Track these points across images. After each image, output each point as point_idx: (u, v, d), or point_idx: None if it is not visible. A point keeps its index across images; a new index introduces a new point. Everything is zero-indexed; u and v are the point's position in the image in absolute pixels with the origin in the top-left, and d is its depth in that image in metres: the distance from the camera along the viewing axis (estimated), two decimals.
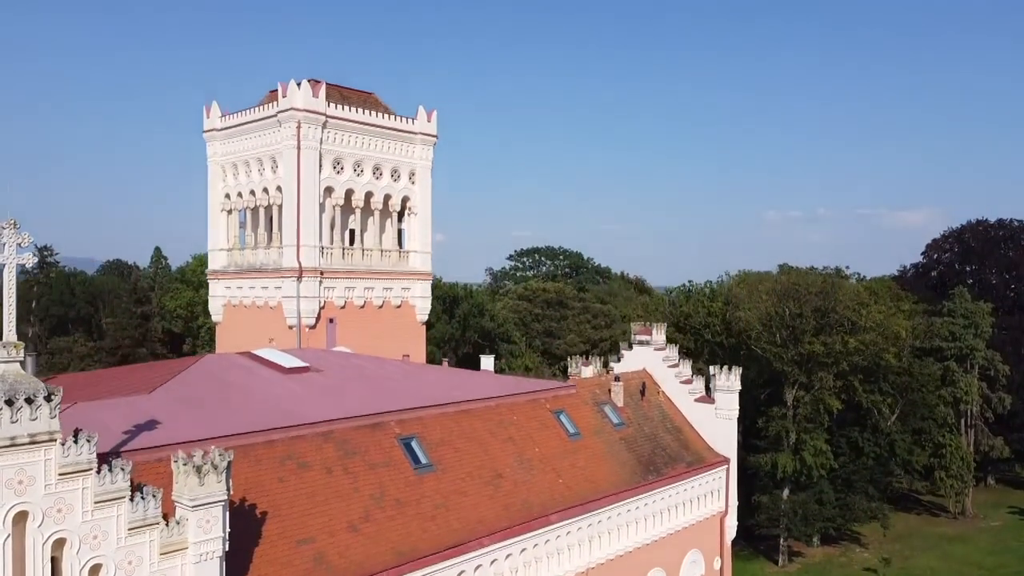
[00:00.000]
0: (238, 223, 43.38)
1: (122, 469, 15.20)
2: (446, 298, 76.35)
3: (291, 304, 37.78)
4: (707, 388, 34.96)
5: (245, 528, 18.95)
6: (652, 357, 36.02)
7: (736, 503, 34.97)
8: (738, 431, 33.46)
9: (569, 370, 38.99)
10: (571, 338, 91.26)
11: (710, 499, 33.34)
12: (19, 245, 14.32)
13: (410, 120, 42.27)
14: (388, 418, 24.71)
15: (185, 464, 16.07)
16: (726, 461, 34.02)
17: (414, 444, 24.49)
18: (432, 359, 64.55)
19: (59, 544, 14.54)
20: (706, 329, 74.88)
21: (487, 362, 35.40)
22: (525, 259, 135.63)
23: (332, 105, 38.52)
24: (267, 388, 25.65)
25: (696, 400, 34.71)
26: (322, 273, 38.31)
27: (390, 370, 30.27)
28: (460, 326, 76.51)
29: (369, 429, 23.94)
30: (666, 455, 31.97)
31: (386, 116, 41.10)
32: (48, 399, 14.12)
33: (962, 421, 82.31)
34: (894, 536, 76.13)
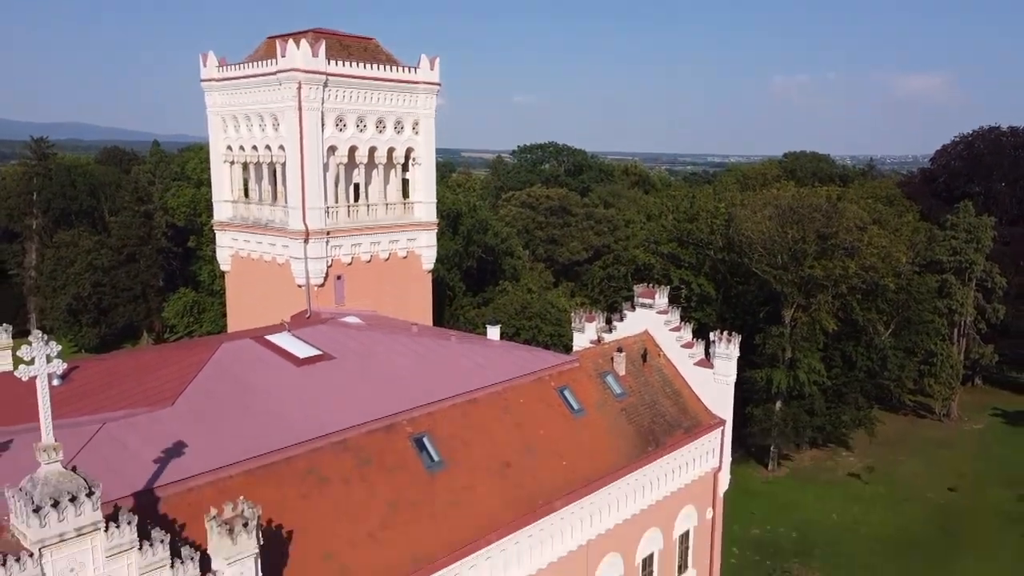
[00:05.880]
0: (242, 175, 43.20)
1: (161, 541, 16.43)
2: (449, 213, 76.42)
3: (299, 265, 38.29)
4: (707, 351, 35.99)
5: (273, 549, 20.42)
6: (654, 320, 36.88)
7: (730, 459, 36.86)
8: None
9: (573, 324, 39.94)
10: (574, 245, 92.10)
11: (706, 459, 35.15)
12: (47, 356, 14.91)
13: (412, 69, 41.19)
14: (400, 418, 25.91)
15: (219, 526, 17.32)
16: (722, 423, 35.59)
17: (426, 441, 25.79)
18: (437, 276, 65.58)
19: None
20: (708, 246, 75.44)
21: (493, 332, 36.34)
22: (528, 155, 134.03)
23: (333, 62, 37.47)
24: (283, 389, 26.72)
25: (696, 364, 35.85)
26: (328, 233, 38.59)
27: (400, 352, 31.23)
28: (464, 241, 77.00)
29: (383, 432, 25.18)
30: (665, 423, 33.47)
31: (388, 67, 40.02)
32: (89, 495, 15.14)
33: (955, 331, 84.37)
34: (881, 440, 79.88)
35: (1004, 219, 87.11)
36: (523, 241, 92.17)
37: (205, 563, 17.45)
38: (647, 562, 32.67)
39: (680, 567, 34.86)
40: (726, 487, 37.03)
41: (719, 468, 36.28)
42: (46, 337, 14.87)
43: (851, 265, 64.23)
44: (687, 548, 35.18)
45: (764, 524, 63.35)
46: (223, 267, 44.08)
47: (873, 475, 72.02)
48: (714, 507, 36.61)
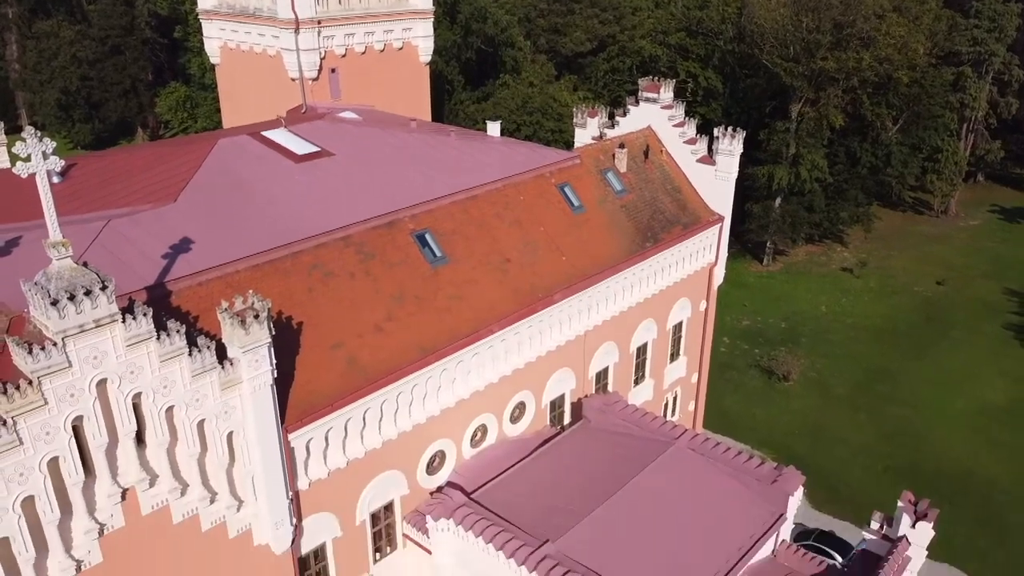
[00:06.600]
0: None
1: (177, 331, 17.19)
2: (446, 0, 72.28)
3: (291, 57, 36.85)
4: (710, 148, 35.56)
5: (284, 339, 21.43)
6: (658, 115, 36.04)
7: (726, 254, 37.57)
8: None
9: (575, 120, 39.12)
10: (578, 35, 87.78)
11: (702, 254, 35.87)
12: (43, 153, 14.72)
13: None
14: (402, 214, 26.12)
15: (231, 317, 18.05)
16: (721, 219, 35.91)
17: (428, 237, 26.20)
18: (435, 69, 63.41)
19: (137, 396, 17.07)
20: (718, 36, 72.12)
21: (493, 128, 35.54)
22: None
23: None
24: (282, 186, 26.69)
25: (698, 160, 35.52)
26: (319, 22, 36.72)
27: (399, 148, 30.85)
28: (462, 32, 73.53)
29: (385, 228, 25.50)
30: (664, 219, 33.79)
31: None
32: (103, 288, 15.62)
33: (964, 126, 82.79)
34: (876, 236, 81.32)
35: None
36: (524, 31, 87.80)
37: (220, 353, 18.39)
38: (641, 350, 34.37)
39: (672, 355, 36.73)
40: (720, 281, 38.08)
41: (715, 263, 37.11)
42: (39, 133, 14.63)
43: (865, 57, 61.75)
44: (680, 338, 36.86)
45: (755, 315, 65.97)
46: (213, 60, 42.43)
47: (865, 269, 73.88)
48: (708, 300, 37.88)
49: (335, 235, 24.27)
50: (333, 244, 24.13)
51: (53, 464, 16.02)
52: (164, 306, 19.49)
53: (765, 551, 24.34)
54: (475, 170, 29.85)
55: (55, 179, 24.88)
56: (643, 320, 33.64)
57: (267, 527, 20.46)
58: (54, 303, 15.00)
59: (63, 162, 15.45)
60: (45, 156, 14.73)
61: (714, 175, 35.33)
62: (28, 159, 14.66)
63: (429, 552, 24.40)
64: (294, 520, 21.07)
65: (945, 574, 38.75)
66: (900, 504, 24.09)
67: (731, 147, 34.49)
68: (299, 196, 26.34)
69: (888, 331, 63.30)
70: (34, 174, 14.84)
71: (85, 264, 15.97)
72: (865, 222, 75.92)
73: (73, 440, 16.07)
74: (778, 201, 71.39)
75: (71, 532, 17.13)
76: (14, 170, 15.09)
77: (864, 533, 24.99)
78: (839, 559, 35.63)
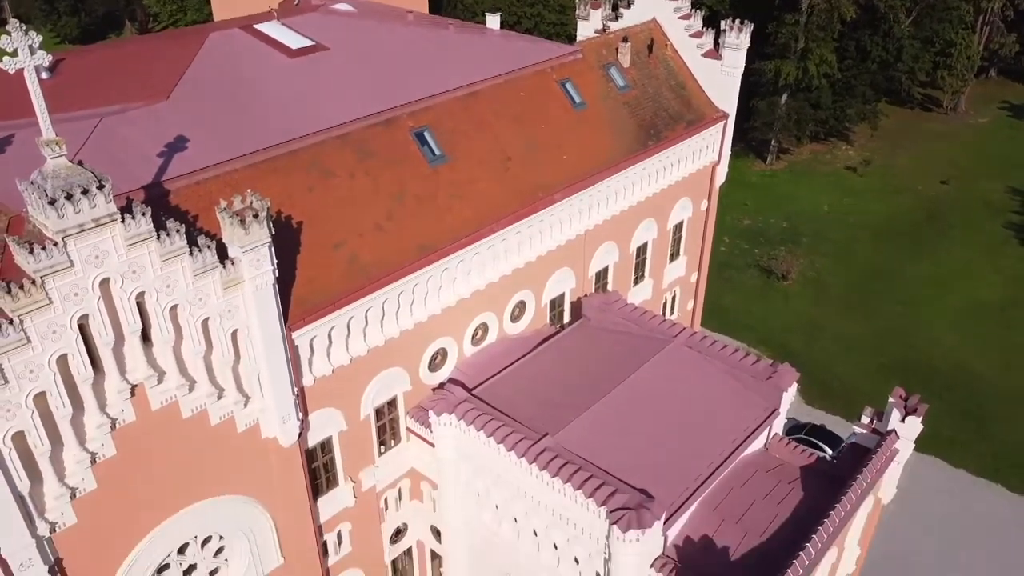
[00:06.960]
0: None
1: (177, 231, 17.16)
2: None
3: None
4: (716, 41, 34.52)
5: (285, 239, 21.43)
6: (663, 7, 34.78)
7: (729, 152, 37.04)
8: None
9: (577, 12, 37.85)
10: None
11: (705, 152, 35.38)
12: (30, 48, 14.27)
13: None
14: (400, 112, 25.60)
15: (230, 217, 17.98)
16: (725, 116, 35.23)
17: (427, 135, 25.78)
18: None
19: (141, 295, 17.20)
20: None
21: (493, 20, 34.33)
22: None
23: None
24: (277, 82, 26.07)
25: (703, 55, 34.56)
26: None
27: (396, 42, 29.94)
28: None
29: (383, 126, 25.05)
30: (667, 116, 33.15)
31: None
32: (100, 187, 15.49)
33: (979, 19, 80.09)
34: (882, 134, 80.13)
35: None
36: None
37: (221, 252, 18.41)
38: (641, 250, 34.42)
39: (672, 255, 36.80)
40: (723, 180, 37.72)
41: (718, 162, 36.65)
42: (24, 27, 14.15)
43: None
44: (680, 237, 36.83)
45: (756, 215, 65.75)
46: None
47: (869, 168, 73.13)
48: (709, 199, 37.62)
49: (333, 133, 23.85)
50: (331, 142, 23.75)
51: (63, 361, 16.31)
52: (162, 206, 19.38)
53: (758, 444, 25.10)
54: (474, 65, 29.07)
55: (43, 75, 24.27)
56: (643, 220, 33.52)
57: (274, 422, 21.03)
58: (51, 202, 14.90)
59: (50, 57, 15.02)
60: (32, 51, 14.30)
61: (720, 70, 34.44)
62: (15, 54, 14.25)
63: (432, 445, 25.19)
64: (300, 415, 21.64)
65: (931, 465, 40.14)
66: (891, 399, 24.66)
67: (738, 41, 33.48)
68: (294, 92, 25.77)
69: (889, 230, 63.25)
70: (22, 70, 14.45)
71: (80, 163, 15.77)
72: (872, 119, 74.60)
73: (80, 338, 16.31)
74: (784, 97, 69.89)
75: (84, 427, 17.63)
76: (0, 66, 14.70)
77: (854, 427, 25.69)
78: (829, 452, 36.86)
